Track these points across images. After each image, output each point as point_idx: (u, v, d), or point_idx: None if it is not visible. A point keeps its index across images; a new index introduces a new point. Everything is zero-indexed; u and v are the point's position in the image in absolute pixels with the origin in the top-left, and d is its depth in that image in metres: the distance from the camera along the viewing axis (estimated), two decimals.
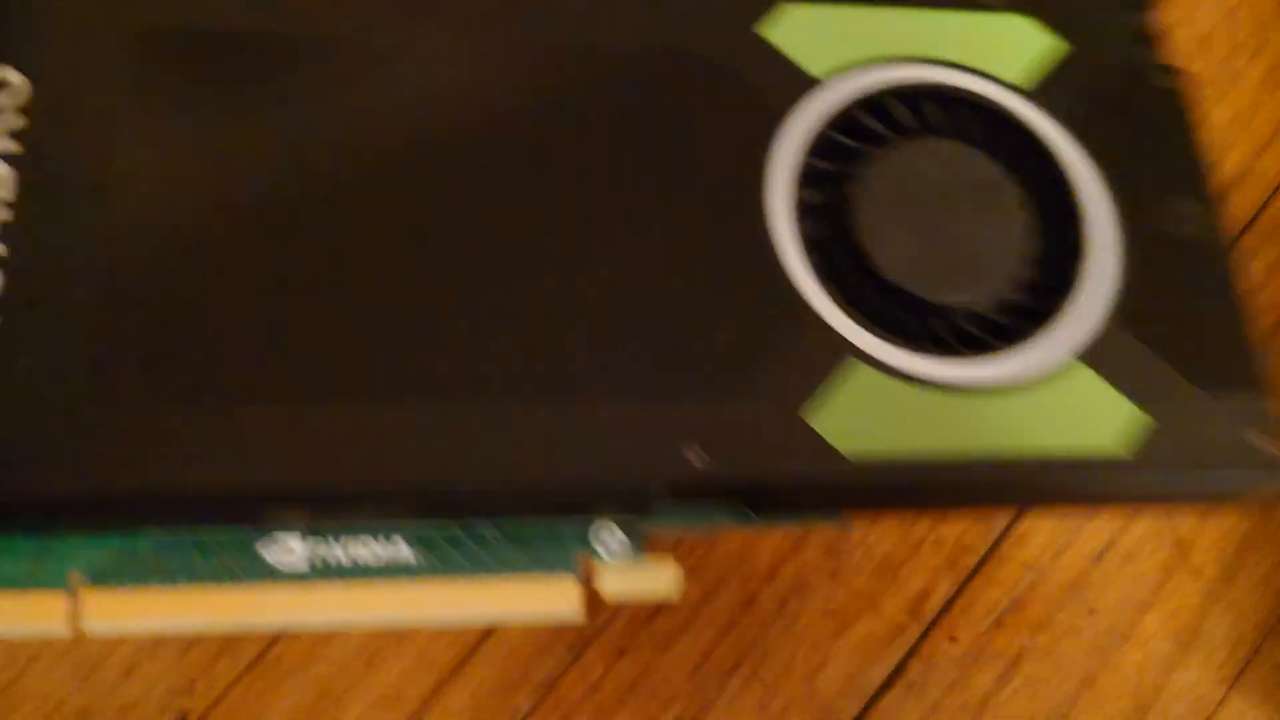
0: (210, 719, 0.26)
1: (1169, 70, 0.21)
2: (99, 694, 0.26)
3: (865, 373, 0.18)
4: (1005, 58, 0.20)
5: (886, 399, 0.18)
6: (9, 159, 0.17)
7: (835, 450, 0.17)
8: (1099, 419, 0.18)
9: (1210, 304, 0.19)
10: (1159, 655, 0.28)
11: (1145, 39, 0.21)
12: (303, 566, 0.17)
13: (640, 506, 0.18)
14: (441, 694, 0.25)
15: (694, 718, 0.25)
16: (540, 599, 0.17)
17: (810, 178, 0.19)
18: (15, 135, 0.17)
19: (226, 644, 0.26)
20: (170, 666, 0.27)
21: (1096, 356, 0.18)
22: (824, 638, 0.27)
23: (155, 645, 0.26)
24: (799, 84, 0.19)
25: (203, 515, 0.17)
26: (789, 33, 0.20)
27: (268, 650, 0.27)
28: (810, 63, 0.19)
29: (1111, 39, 0.21)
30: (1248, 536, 0.28)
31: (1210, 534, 0.28)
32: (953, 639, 0.27)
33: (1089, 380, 0.18)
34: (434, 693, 0.25)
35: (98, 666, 0.26)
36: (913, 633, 0.27)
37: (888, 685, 0.27)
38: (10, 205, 0.17)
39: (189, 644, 0.26)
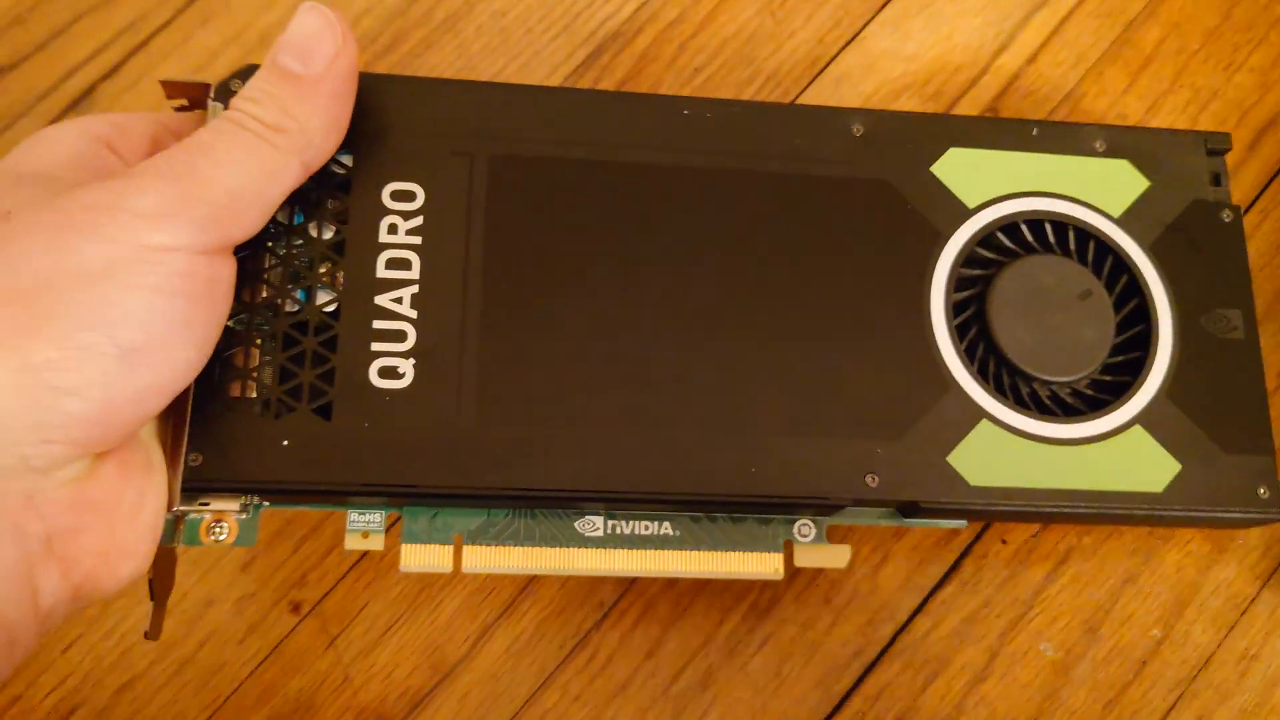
0: (322, 608, 0.29)
1: (1231, 207, 0.28)
2: (220, 586, 0.29)
3: (991, 428, 0.25)
4: (1106, 193, 0.27)
5: (1005, 447, 0.25)
6: (414, 248, 0.25)
7: (966, 482, 0.25)
8: (1146, 466, 0.26)
9: (1239, 389, 0.27)
10: (1198, 555, 0.30)
11: (1216, 179, 0.28)
12: (601, 536, 0.25)
13: (830, 511, 0.26)
14: (533, 587, 0.29)
15: (766, 608, 0.29)
16: (757, 565, 0.26)
17: (960, 283, 0.26)
18: (417, 231, 0.25)
19: (335, 541, 0.29)
20: (284, 561, 0.29)
21: (1150, 421, 0.26)
22: (885, 538, 0.30)
23: (269, 542, 0.29)
24: (957, 211, 0.26)
25: (540, 502, 0.25)
26: (952, 171, 0.27)
27: None
28: (966, 195, 0.27)
29: (1189, 180, 0.28)
30: None
31: None
32: (1004, 541, 0.30)
33: (1143, 439, 0.26)
34: (526, 586, 0.29)
35: (218, 562, 0.29)
36: (966, 535, 0.30)
37: (944, 582, 0.30)
38: (417, 281, 0.25)
39: (300, 541, 0.29)
